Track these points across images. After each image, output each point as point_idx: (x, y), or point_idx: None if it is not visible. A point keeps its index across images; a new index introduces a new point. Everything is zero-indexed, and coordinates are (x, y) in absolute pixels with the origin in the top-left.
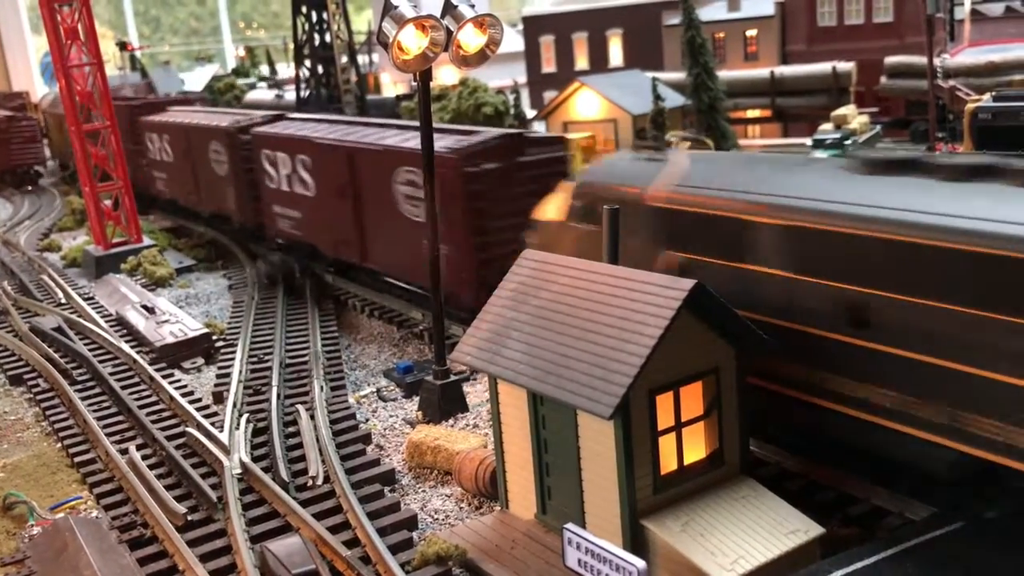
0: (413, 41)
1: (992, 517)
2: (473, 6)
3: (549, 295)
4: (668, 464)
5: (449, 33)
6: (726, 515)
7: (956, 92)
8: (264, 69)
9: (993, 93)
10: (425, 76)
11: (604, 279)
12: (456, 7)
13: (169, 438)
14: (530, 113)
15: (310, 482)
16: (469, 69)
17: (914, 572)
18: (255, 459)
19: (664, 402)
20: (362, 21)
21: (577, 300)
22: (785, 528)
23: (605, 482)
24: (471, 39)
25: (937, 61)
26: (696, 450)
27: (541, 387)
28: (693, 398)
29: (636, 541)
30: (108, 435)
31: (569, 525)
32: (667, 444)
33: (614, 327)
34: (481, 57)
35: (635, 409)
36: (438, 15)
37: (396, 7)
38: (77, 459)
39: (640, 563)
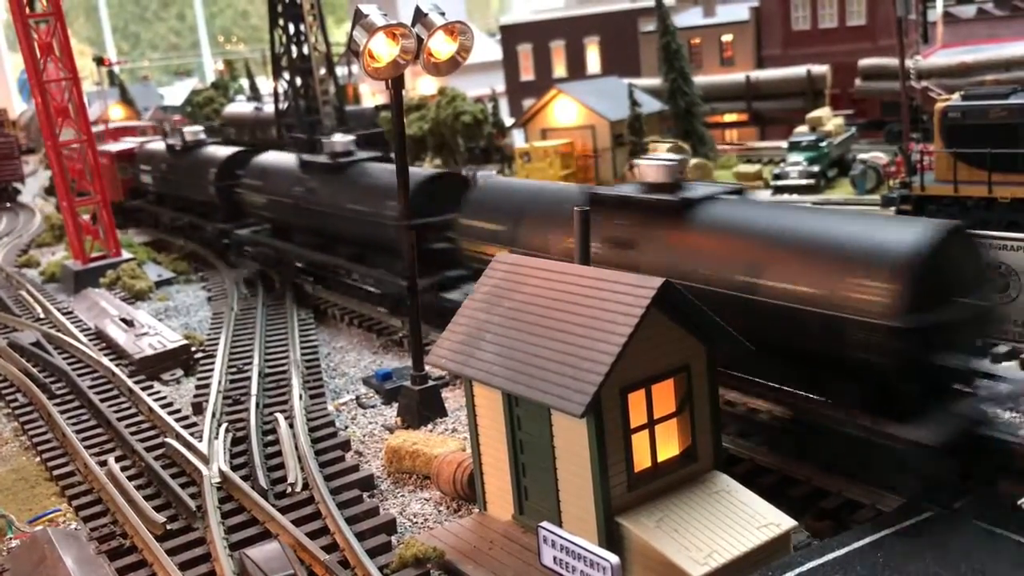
0: (384, 49)
1: (960, 507)
2: (443, 14)
3: (522, 297)
4: (642, 461)
5: (420, 41)
6: (700, 510)
7: (929, 93)
8: (244, 82)
9: (962, 92)
10: (397, 83)
11: (575, 280)
12: (426, 15)
13: (148, 449)
14: (509, 121)
15: (289, 489)
16: (441, 76)
17: (884, 562)
18: (234, 468)
19: (636, 400)
20: (341, 33)
21: (549, 301)
22: (758, 522)
23: (580, 480)
24: (442, 46)
25: (910, 63)
26: (669, 447)
27: (515, 388)
28: (665, 395)
29: (611, 538)
30: (87, 448)
31: (544, 524)
32: (640, 441)
33: (585, 327)
34: (452, 64)
35: (607, 407)
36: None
37: (367, 16)
38: (56, 472)
39: (614, 558)
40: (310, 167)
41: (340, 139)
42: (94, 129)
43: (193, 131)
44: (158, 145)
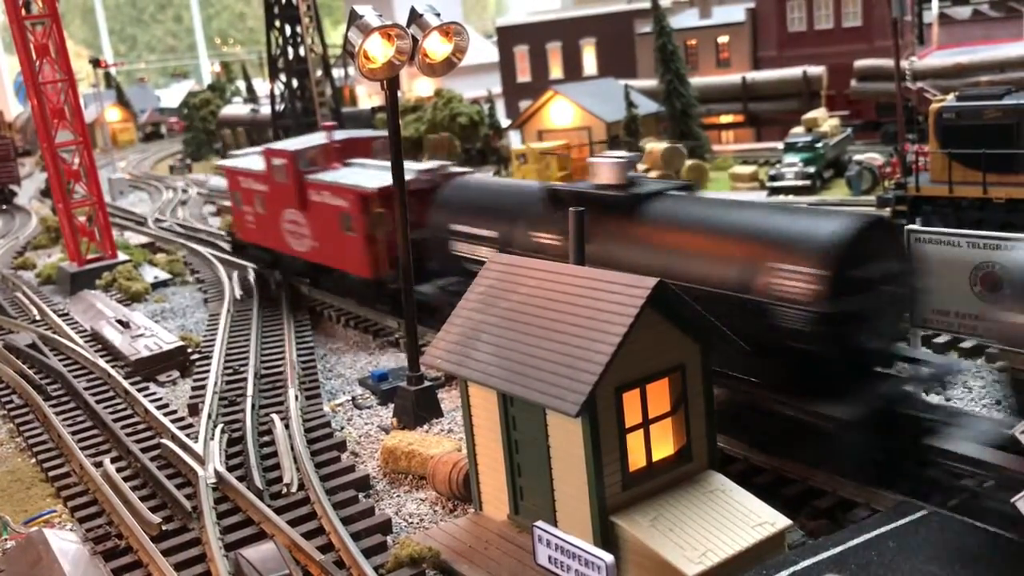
0: (379, 50)
1: (955, 505)
2: (439, 15)
3: (517, 297)
4: (636, 461)
5: (415, 42)
6: (694, 509)
7: (924, 94)
8: (240, 84)
9: (957, 93)
10: (392, 84)
11: (570, 280)
12: (421, 16)
13: (144, 450)
14: (505, 123)
15: (284, 489)
16: (436, 77)
17: (878, 561)
18: (230, 468)
19: (631, 399)
20: (338, 35)
21: (544, 301)
22: (753, 521)
23: (575, 480)
24: (437, 47)
25: (906, 64)
26: (664, 446)
27: (510, 388)
28: (660, 395)
29: (606, 537)
30: (83, 449)
31: (539, 523)
32: (635, 441)
33: (580, 327)
34: (447, 65)
35: (602, 407)
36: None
37: (362, 17)
38: (51, 473)
39: (608, 557)
40: None
41: None
42: (302, 144)
43: (620, 162)
44: (504, 185)
